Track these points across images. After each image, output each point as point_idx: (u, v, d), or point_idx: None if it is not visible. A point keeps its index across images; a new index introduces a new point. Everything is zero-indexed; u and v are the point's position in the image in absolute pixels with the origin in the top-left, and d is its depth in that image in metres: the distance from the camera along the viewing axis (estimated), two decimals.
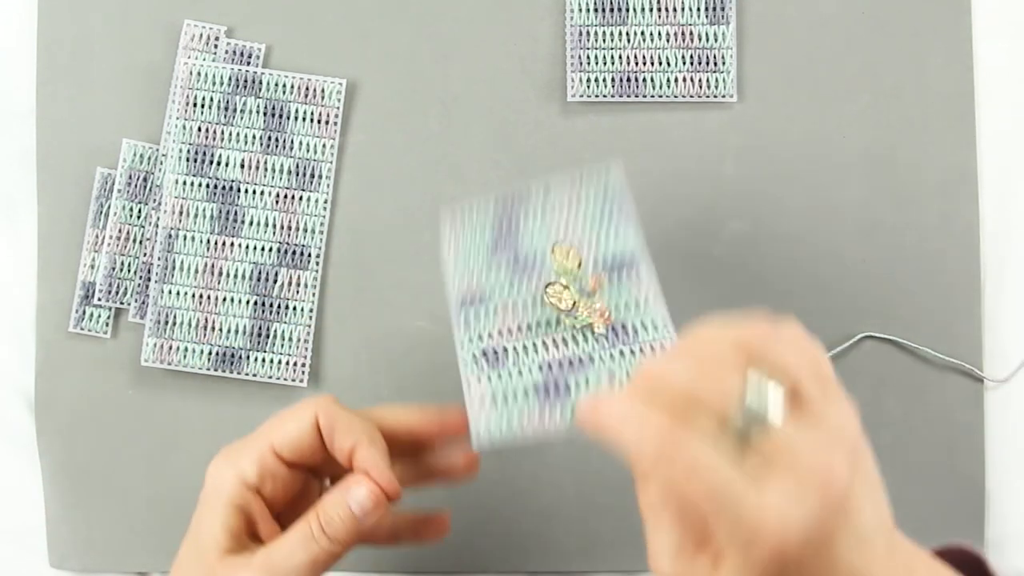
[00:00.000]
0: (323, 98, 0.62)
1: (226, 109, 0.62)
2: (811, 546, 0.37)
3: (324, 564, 0.46)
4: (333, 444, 0.47)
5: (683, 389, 0.39)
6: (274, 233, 0.62)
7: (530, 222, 0.55)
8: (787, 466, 0.37)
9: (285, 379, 0.62)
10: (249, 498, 0.46)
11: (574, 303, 0.51)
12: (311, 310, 0.62)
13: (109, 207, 0.63)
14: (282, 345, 0.62)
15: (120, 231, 0.62)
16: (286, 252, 0.62)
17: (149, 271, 0.62)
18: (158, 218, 0.62)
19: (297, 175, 0.62)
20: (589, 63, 0.62)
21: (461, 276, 0.56)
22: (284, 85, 0.62)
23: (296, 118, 0.62)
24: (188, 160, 0.62)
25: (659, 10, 0.62)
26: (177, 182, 0.62)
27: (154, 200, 0.62)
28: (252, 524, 0.47)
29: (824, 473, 0.37)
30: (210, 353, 0.62)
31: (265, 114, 0.62)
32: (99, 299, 0.62)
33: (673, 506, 0.40)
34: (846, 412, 0.39)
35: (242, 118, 0.62)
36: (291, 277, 0.62)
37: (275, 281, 0.62)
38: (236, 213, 0.62)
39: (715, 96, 0.62)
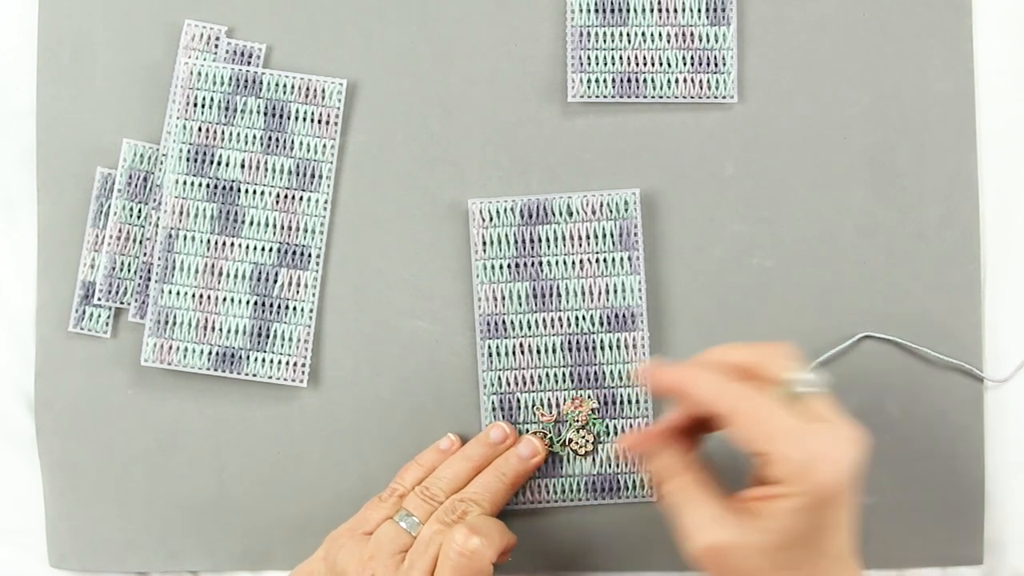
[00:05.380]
0: (323, 98, 0.62)
1: (226, 109, 0.62)
2: (846, 492, 0.46)
3: None
4: None
5: (743, 363, 0.48)
6: (274, 233, 0.62)
7: (550, 247, 0.61)
8: (831, 418, 0.46)
9: (285, 379, 0.62)
10: None
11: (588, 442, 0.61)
12: (311, 310, 0.62)
13: (109, 207, 0.63)
14: (282, 345, 0.62)
15: (120, 231, 0.62)
16: (286, 252, 0.62)
17: (149, 271, 0.62)
18: (158, 218, 0.62)
19: (297, 175, 0.62)
20: (590, 64, 0.62)
21: (487, 293, 0.61)
22: (284, 85, 0.62)
23: (296, 118, 0.62)
24: (188, 160, 0.62)
25: (660, 11, 0.62)
26: (177, 182, 0.62)
27: (154, 200, 0.62)
28: None
29: (855, 436, 0.46)
30: (210, 353, 0.61)
31: (265, 114, 0.62)
32: (99, 299, 0.62)
33: (709, 485, 0.49)
34: None
35: (242, 118, 0.62)
36: (291, 277, 0.62)
37: (275, 281, 0.62)
38: (236, 213, 0.62)
39: (715, 97, 0.62)
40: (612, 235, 0.61)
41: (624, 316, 0.61)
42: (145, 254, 0.62)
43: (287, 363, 0.62)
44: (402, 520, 0.56)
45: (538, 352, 0.61)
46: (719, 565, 0.47)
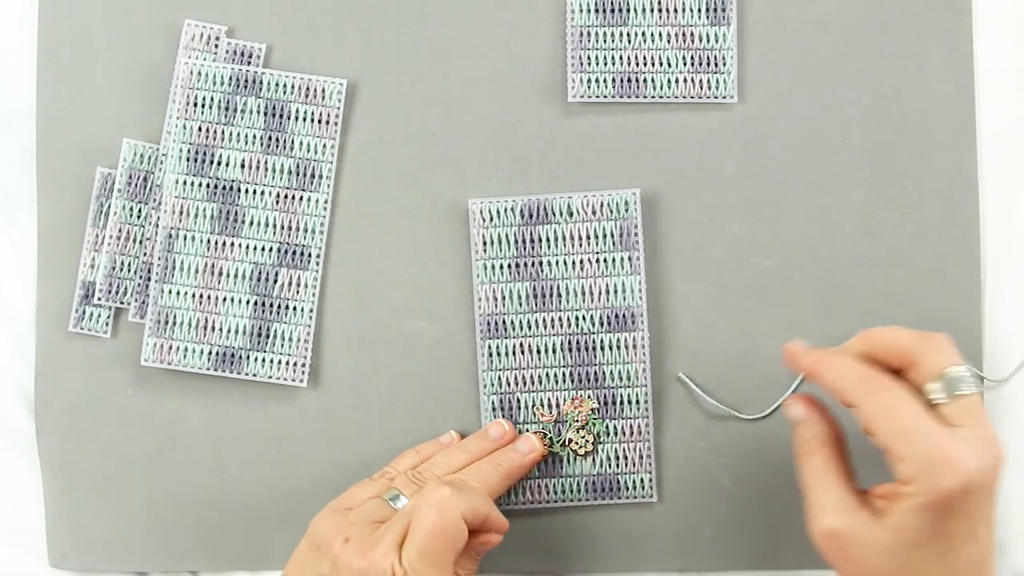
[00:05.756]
0: (323, 98, 0.62)
1: (226, 109, 0.62)
2: (978, 496, 0.45)
3: None
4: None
5: (902, 349, 0.48)
6: (274, 233, 0.62)
7: (550, 247, 0.61)
8: (972, 424, 0.45)
9: (285, 379, 0.62)
10: None
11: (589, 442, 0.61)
12: (311, 310, 0.62)
13: (109, 207, 0.63)
14: (282, 345, 0.62)
15: (120, 231, 0.62)
16: (286, 252, 0.62)
17: (149, 271, 0.62)
18: (158, 218, 0.62)
19: (297, 175, 0.62)
20: (590, 64, 0.62)
21: (487, 293, 0.61)
22: (284, 85, 0.62)
23: (296, 118, 0.62)
24: (188, 160, 0.62)
25: (660, 11, 0.62)
26: (177, 182, 0.62)
27: (154, 200, 0.62)
28: None
29: (992, 445, 0.45)
30: (210, 353, 0.61)
31: (265, 114, 0.62)
32: (99, 299, 0.62)
33: (840, 472, 0.49)
34: None
35: (242, 118, 0.62)
36: (291, 277, 0.62)
37: (275, 281, 0.62)
38: (236, 213, 0.62)
39: (715, 97, 0.62)
40: (612, 235, 0.61)
41: (624, 316, 0.61)
42: (145, 254, 0.62)
43: (287, 363, 0.62)
44: (389, 498, 0.55)
45: (538, 352, 0.61)
46: (838, 552, 0.47)
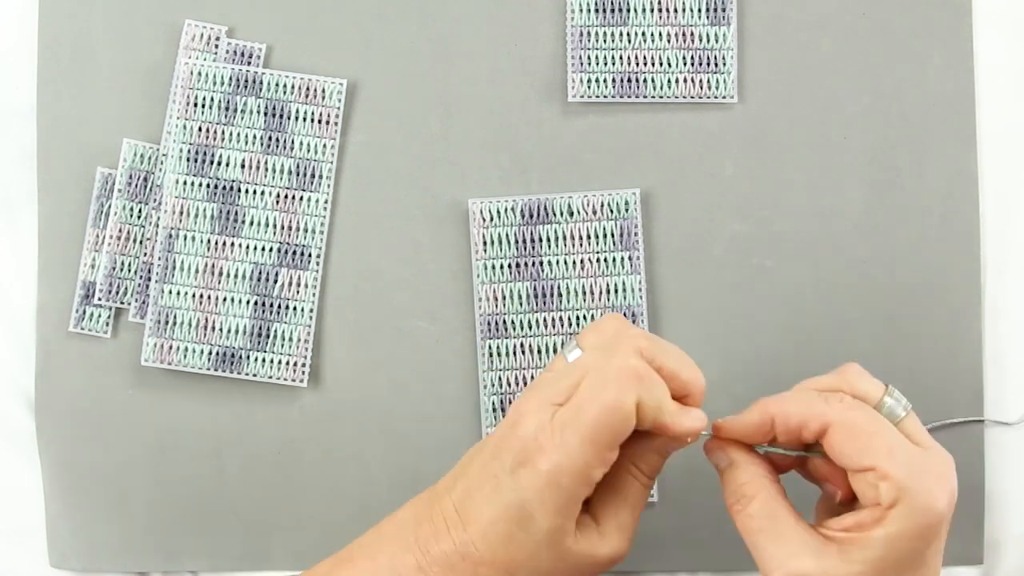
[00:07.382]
0: (323, 98, 0.63)
1: (226, 109, 0.62)
2: (950, 513, 0.44)
3: None
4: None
5: (826, 388, 0.46)
6: (274, 233, 0.62)
7: (550, 247, 0.61)
8: (933, 446, 0.45)
9: (285, 379, 0.62)
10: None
11: None
12: (311, 310, 0.62)
13: (109, 207, 0.63)
14: (282, 345, 0.62)
15: (120, 231, 0.62)
16: (286, 252, 0.62)
17: (149, 271, 0.62)
18: (158, 218, 0.62)
19: (297, 175, 0.62)
20: (590, 63, 0.62)
21: (487, 293, 0.61)
22: (285, 85, 0.62)
23: (296, 118, 0.62)
24: (188, 160, 0.62)
25: (660, 11, 0.62)
26: (177, 182, 0.62)
27: (154, 200, 0.62)
28: None
29: (952, 463, 0.45)
30: (210, 353, 0.61)
31: (265, 114, 0.62)
32: (99, 299, 0.62)
33: (791, 510, 0.45)
34: None
35: (242, 118, 0.62)
36: (291, 277, 0.62)
37: (275, 281, 0.62)
38: (236, 213, 0.62)
39: (715, 97, 0.62)
40: (613, 235, 0.61)
41: (625, 316, 0.61)
42: (145, 254, 0.62)
43: (287, 363, 0.62)
44: (566, 351, 0.47)
45: (539, 352, 0.61)
46: None
